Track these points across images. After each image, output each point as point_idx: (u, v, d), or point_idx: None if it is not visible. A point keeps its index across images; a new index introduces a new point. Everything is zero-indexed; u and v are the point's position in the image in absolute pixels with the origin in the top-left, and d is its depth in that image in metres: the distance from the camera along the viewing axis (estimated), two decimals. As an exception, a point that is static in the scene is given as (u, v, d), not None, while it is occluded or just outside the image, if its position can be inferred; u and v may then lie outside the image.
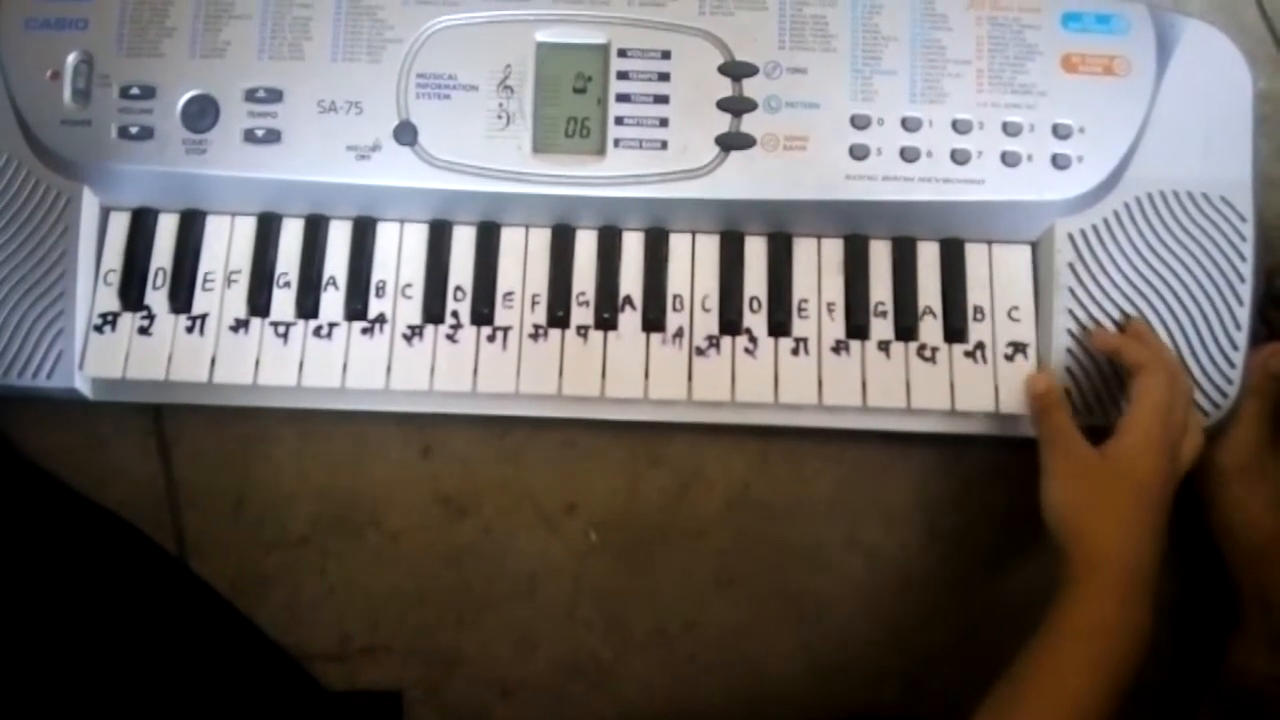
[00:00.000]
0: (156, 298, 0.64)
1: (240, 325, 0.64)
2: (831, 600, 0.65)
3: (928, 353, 0.63)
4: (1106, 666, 0.54)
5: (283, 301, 0.64)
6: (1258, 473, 0.61)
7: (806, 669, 0.64)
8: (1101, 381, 0.62)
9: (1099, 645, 0.54)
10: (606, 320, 0.64)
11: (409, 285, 0.64)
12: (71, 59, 0.63)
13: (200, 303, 0.64)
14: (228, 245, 0.65)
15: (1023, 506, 0.65)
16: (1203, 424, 0.61)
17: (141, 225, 0.65)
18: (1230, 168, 0.63)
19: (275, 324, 0.64)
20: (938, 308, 0.64)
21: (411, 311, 0.64)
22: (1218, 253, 0.62)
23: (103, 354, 0.63)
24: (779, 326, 0.64)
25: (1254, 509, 0.61)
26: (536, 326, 0.64)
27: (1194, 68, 0.64)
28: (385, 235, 0.65)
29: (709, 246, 0.65)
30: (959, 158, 0.62)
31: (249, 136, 0.63)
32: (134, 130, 0.63)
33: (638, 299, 0.64)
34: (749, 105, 0.63)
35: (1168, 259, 0.63)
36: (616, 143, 0.63)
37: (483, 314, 0.64)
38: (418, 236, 0.65)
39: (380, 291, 0.64)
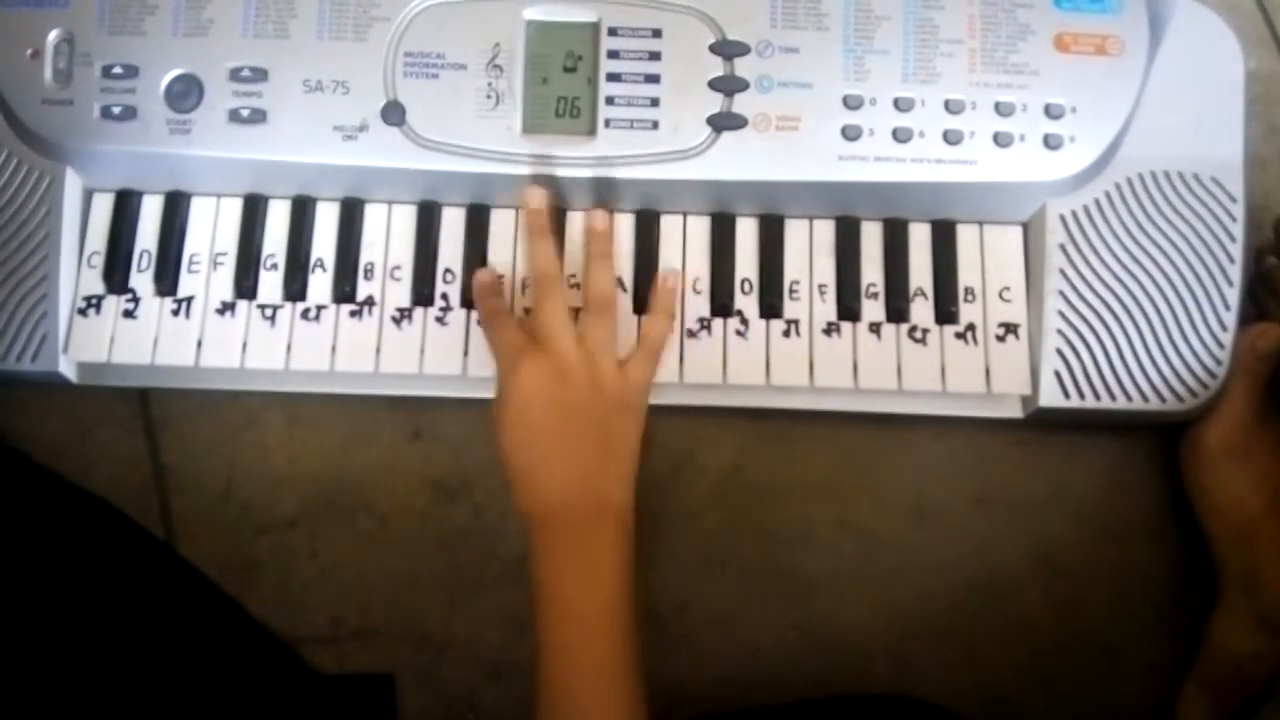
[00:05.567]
0: (141, 280, 0.63)
1: (227, 308, 0.63)
2: (822, 581, 0.65)
3: (919, 334, 0.63)
4: (575, 612, 0.54)
5: (270, 284, 0.64)
6: (1244, 453, 0.62)
7: (797, 649, 0.64)
8: (1093, 363, 0.62)
9: (554, 598, 0.55)
10: (597, 302, 0.63)
11: (398, 267, 0.64)
12: (52, 38, 0.62)
13: (186, 285, 0.64)
14: (213, 227, 0.64)
15: (1011, 487, 0.66)
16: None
17: (125, 207, 0.64)
18: (1221, 148, 0.63)
19: (262, 307, 0.63)
20: (929, 289, 0.64)
21: (400, 294, 0.64)
22: (1208, 233, 0.62)
23: (87, 337, 0.62)
24: (770, 308, 0.63)
25: (1240, 489, 0.61)
26: (527, 310, 0.63)
27: (1186, 47, 0.64)
28: (373, 217, 0.65)
29: (700, 228, 0.65)
30: (951, 138, 0.62)
31: (234, 116, 0.62)
32: (117, 110, 0.62)
33: (628, 281, 0.64)
34: (741, 85, 0.62)
35: (1158, 239, 0.63)
36: (607, 123, 0.62)
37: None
38: (406, 218, 0.65)
39: (369, 274, 0.64)
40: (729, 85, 0.62)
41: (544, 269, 0.60)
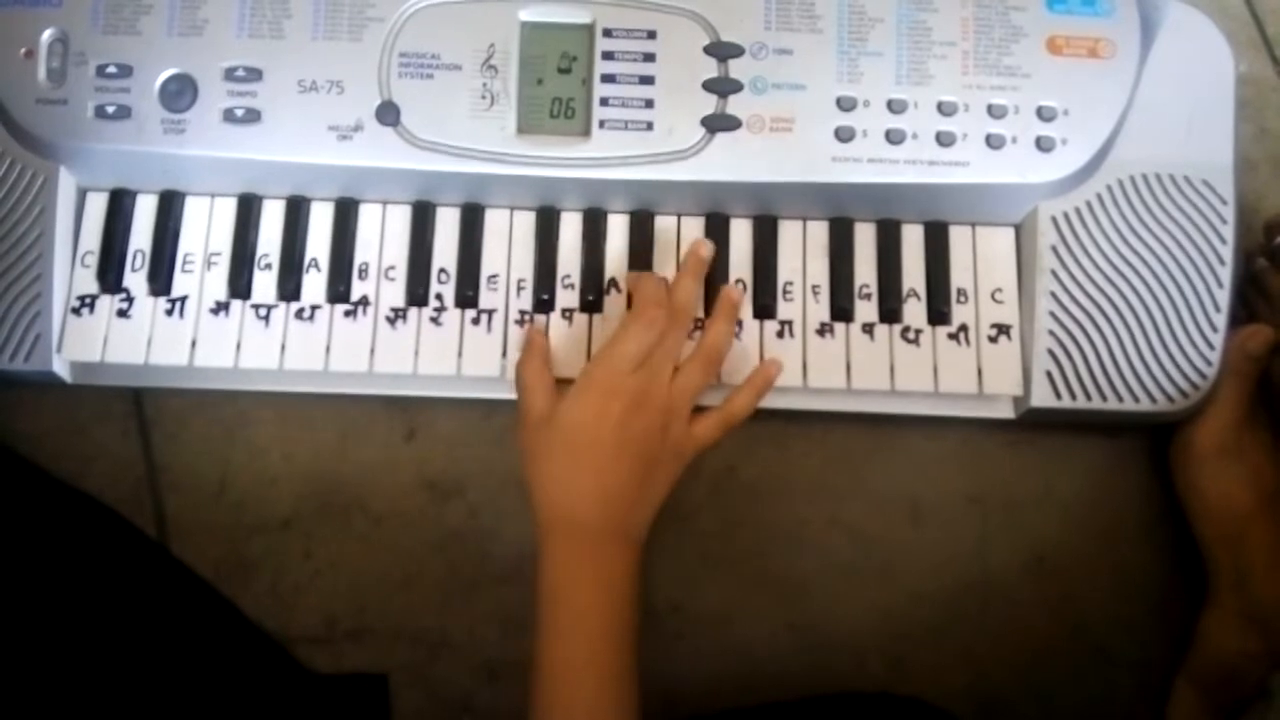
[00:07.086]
0: (135, 280, 0.63)
1: (221, 308, 0.63)
2: (816, 580, 0.65)
3: (911, 335, 0.64)
4: (581, 626, 0.55)
5: (264, 284, 0.64)
6: (1235, 453, 0.62)
7: (791, 648, 0.65)
8: (1084, 364, 0.62)
9: (562, 609, 0.55)
10: (592, 303, 0.64)
11: (392, 267, 0.64)
12: (46, 37, 0.62)
13: (180, 285, 0.63)
14: (207, 227, 0.64)
15: (1003, 487, 0.66)
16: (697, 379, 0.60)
17: (119, 206, 0.64)
18: (1212, 151, 0.64)
19: (256, 306, 0.63)
20: (922, 290, 0.64)
21: (395, 294, 0.64)
22: (1199, 235, 0.63)
23: (81, 337, 0.62)
24: (764, 309, 0.64)
25: (1231, 488, 0.62)
26: (522, 310, 0.63)
27: (1177, 50, 0.64)
28: (368, 217, 0.65)
29: (694, 229, 0.65)
30: (944, 140, 0.62)
31: (228, 116, 0.62)
32: (111, 110, 0.62)
33: (623, 282, 0.64)
34: (735, 86, 0.63)
35: (1149, 241, 0.63)
36: (602, 124, 0.62)
37: (467, 296, 0.63)
38: (401, 218, 0.65)
39: (363, 273, 0.64)
40: (723, 87, 0.63)
41: (686, 305, 0.61)
